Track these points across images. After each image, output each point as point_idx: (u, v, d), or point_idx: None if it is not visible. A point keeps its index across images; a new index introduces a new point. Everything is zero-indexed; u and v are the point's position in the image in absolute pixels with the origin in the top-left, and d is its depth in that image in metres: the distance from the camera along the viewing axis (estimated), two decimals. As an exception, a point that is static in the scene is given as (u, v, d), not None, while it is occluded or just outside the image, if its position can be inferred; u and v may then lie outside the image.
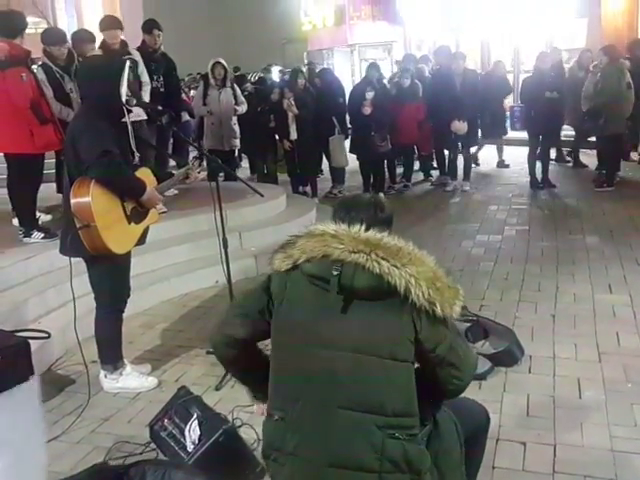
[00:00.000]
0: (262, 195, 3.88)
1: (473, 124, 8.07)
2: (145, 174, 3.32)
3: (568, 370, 3.49)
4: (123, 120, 3.66)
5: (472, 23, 13.65)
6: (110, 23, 5.80)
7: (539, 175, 8.11)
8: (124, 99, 3.23)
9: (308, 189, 8.20)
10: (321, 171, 9.22)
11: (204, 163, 3.67)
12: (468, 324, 3.89)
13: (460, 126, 7.79)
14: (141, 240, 3.38)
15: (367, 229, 1.79)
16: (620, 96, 7.39)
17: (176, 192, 5.70)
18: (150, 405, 3.29)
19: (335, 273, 1.74)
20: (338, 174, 8.56)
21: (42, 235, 4.59)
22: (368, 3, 16.06)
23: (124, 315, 3.52)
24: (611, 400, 3.17)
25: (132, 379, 3.43)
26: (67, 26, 19.32)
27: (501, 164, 9.79)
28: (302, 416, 1.79)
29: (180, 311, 4.68)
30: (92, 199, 2.96)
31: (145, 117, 5.65)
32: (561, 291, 4.63)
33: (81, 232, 3.00)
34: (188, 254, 5.25)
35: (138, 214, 3.28)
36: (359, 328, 1.75)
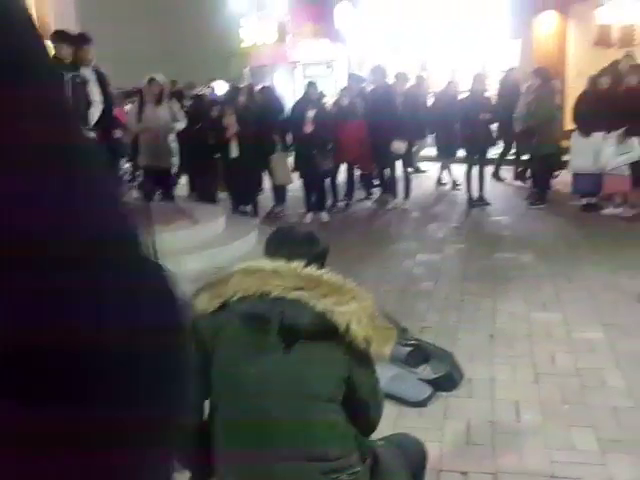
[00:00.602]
0: (195, 220, 3.74)
1: (412, 143, 8.19)
2: None
3: (506, 392, 3.51)
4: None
5: (411, 44, 13.90)
6: (55, 37, 5.58)
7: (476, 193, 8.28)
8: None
9: (249, 208, 8.09)
10: (261, 189, 9.13)
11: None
12: (409, 348, 3.89)
13: (400, 146, 7.88)
14: None
15: (306, 264, 1.73)
16: (552, 117, 7.64)
17: None
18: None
19: (275, 313, 1.66)
20: (280, 193, 8.48)
21: None
22: (309, 20, 16.10)
23: None
24: (549, 423, 3.20)
25: None
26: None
27: (453, 184, 9.54)
28: (242, 471, 1.71)
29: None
30: None
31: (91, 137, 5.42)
32: (498, 310, 4.69)
33: None
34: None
35: None
36: (299, 370, 1.69)
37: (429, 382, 3.58)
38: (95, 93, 5.62)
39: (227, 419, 1.73)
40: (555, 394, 3.47)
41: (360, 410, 1.76)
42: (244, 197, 8.07)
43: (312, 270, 1.71)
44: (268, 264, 1.73)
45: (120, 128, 7.48)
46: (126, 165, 9.64)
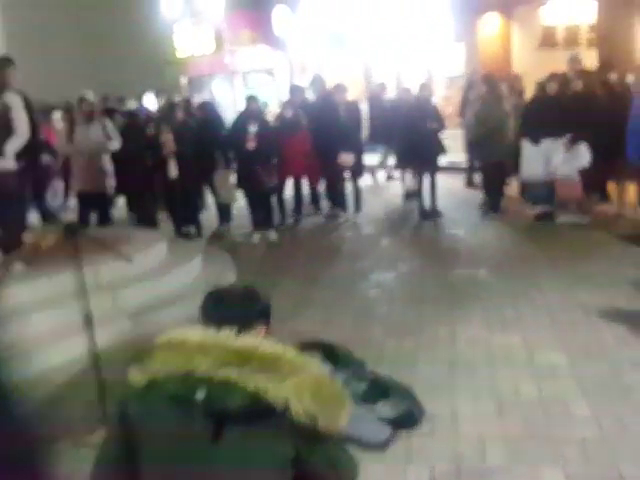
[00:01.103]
0: (130, 260, 3.41)
1: (360, 155, 8.02)
2: None
3: (470, 428, 3.34)
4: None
5: (353, 47, 13.75)
6: None
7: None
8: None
9: (192, 229, 7.74)
10: (203, 208, 8.82)
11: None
12: (365, 383, 3.67)
13: (347, 158, 7.71)
14: None
15: (241, 329, 1.52)
16: (502, 124, 7.56)
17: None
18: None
19: (200, 395, 1.44)
20: (224, 211, 8.17)
21: None
22: (247, 27, 15.70)
23: None
24: (516, 460, 3.05)
25: None
26: None
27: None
28: None
29: (43, 391, 4.05)
30: None
31: (10, 167, 5.02)
32: (457, 335, 4.50)
33: None
34: (51, 320, 4.59)
35: None
36: (234, 460, 1.45)
37: (389, 421, 3.36)
38: (20, 119, 5.14)
39: None
40: (520, 427, 3.32)
41: None
42: (186, 218, 7.71)
43: (244, 341, 1.49)
44: (194, 335, 1.52)
45: (48, 153, 7.05)
46: (58, 190, 9.16)
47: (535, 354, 4.09)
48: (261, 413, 1.44)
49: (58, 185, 9.20)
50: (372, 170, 10.55)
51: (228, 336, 1.49)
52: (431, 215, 8.01)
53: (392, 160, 9.87)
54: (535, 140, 7.13)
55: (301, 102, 8.42)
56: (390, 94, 11.12)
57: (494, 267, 5.96)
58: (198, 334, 1.52)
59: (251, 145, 7.18)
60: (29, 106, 5.67)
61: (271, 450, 1.47)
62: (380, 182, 10.84)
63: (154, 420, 1.51)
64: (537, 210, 7.47)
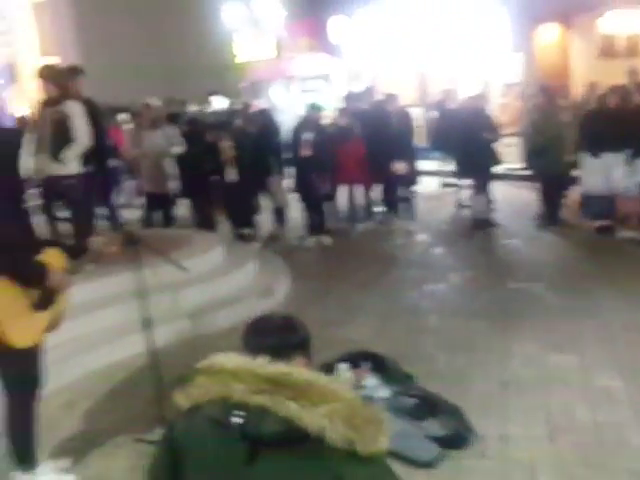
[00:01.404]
0: (186, 270, 3.53)
1: (412, 162, 8.03)
2: (53, 256, 3.01)
3: (520, 452, 3.29)
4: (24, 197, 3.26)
5: (409, 55, 13.71)
6: (39, 74, 5.37)
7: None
8: (26, 174, 2.87)
9: (249, 231, 7.91)
10: (259, 211, 9.03)
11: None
12: (415, 400, 3.68)
13: (399, 166, 7.73)
14: (53, 327, 3.06)
15: (276, 357, 1.55)
16: (559, 135, 7.41)
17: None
18: (68, 510, 2.91)
19: (236, 420, 1.48)
20: (280, 215, 8.32)
21: None
22: (305, 34, 16.04)
23: (43, 394, 3.21)
24: (567, 488, 2.99)
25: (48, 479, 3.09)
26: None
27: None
28: None
29: (106, 385, 4.33)
30: None
31: (72, 172, 5.27)
32: (511, 352, 4.44)
33: None
34: (116, 318, 4.82)
35: (45, 300, 2.96)
36: None
37: (437, 439, 3.36)
38: (79, 127, 5.35)
39: None
40: (572, 454, 3.25)
41: None
42: (243, 221, 7.90)
43: (278, 369, 1.52)
44: (230, 362, 1.56)
45: (115, 157, 7.39)
46: (127, 189, 9.61)
47: (591, 376, 4.00)
48: (295, 438, 1.46)
49: (127, 185, 9.65)
50: (431, 176, 10.50)
51: (261, 363, 1.53)
52: (485, 225, 7.92)
53: (450, 167, 9.80)
54: (595, 154, 6.96)
55: (354, 110, 8.49)
56: (453, 102, 10.99)
57: (550, 281, 5.85)
58: (234, 361, 1.57)
59: (306, 152, 7.28)
60: (94, 112, 5.92)
61: (308, 475, 1.48)
62: (437, 189, 10.77)
63: (196, 442, 1.57)
64: (597, 224, 7.29)
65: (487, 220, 7.96)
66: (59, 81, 5.39)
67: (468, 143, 7.65)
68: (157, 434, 3.38)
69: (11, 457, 3.14)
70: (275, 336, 1.65)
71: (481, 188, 7.92)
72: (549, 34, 11.67)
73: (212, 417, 1.53)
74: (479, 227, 7.91)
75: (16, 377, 3.03)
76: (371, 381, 3.97)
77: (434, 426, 3.51)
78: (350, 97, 8.94)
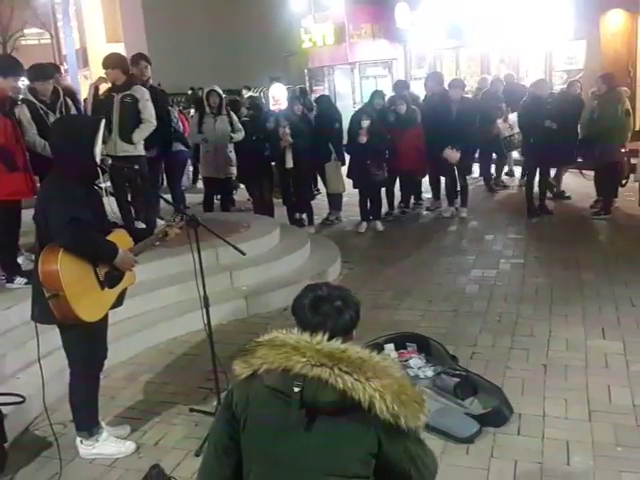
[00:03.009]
0: (244, 253, 3.77)
1: (469, 152, 7.99)
2: (120, 236, 3.23)
3: (557, 431, 3.39)
4: (98, 181, 3.56)
5: (472, 40, 13.56)
6: (106, 63, 5.77)
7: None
8: (99, 159, 3.15)
9: (304, 216, 8.15)
10: (318, 191, 9.35)
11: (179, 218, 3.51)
12: (457, 379, 3.83)
13: (452, 154, 7.73)
14: (117, 303, 3.29)
15: (332, 336, 1.73)
16: (617, 124, 7.29)
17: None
18: (127, 474, 3.21)
19: (296, 389, 1.68)
20: (335, 200, 8.51)
21: (25, 281, 4.47)
22: (368, 21, 16.04)
23: (106, 366, 3.44)
24: (600, 467, 3.07)
25: (109, 445, 3.33)
26: (65, 39, 19.35)
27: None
28: None
29: (166, 359, 4.59)
30: (60, 268, 2.86)
31: (140, 153, 5.65)
32: (553, 336, 4.53)
33: (50, 301, 2.90)
34: (177, 296, 5.12)
35: (112, 278, 3.18)
36: (323, 446, 1.70)
37: (476, 417, 3.51)
38: (146, 111, 5.73)
39: None
40: (609, 435, 3.32)
41: None
42: (299, 206, 8.13)
43: (335, 345, 1.71)
44: (292, 338, 1.75)
45: (180, 141, 7.73)
46: (189, 174, 10.06)
47: (632, 362, 4.05)
48: (348, 408, 1.66)
49: (189, 170, 10.13)
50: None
51: (320, 340, 1.71)
52: (540, 213, 7.89)
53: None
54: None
55: (416, 97, 8.53)
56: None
57: (599, 269, 5.86)
58: (295, 337, 1.74)
59: (362, 139, 7.41)
60: (160, 98, 6.28)
61: (357, 441, 1.69)
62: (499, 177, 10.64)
63: (254, 407, 1.77)
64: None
65: (542, 207, 7.93)
66: (126, 68, 5.77)
67: (532, 130, 7.57)
68: (211, 406, 3.66)
69: (75, 424, 3.34)
70: (335, 313, 1.79)
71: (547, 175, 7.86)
72: (615, 21, 11.31)
73: (273, 385, 1.73)
74: (533, 215, 7.89)
75: (82, 350, 3.17)
76: (416, 361, 4.15)
77: (475, 404, 3.67)
78: (399, 84, 9.00)
